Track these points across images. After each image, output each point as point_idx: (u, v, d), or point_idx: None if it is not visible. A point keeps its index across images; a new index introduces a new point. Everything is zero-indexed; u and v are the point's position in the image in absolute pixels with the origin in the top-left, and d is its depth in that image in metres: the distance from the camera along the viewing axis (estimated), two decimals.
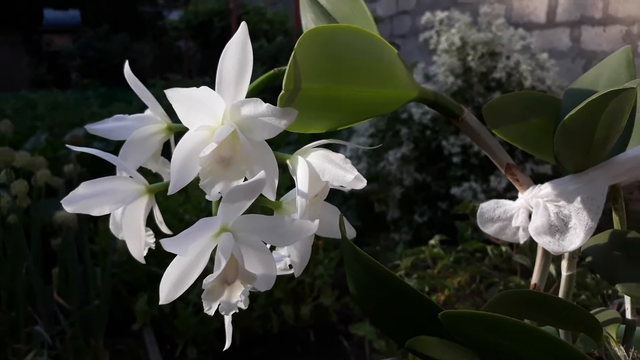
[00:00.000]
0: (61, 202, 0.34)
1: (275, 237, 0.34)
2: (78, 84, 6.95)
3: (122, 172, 0.38)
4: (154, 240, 0.38)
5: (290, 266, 0.39)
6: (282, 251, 0.40)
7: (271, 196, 0.36)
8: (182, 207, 1.95)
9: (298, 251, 0.38)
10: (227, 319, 0.36)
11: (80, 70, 8.21)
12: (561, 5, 3.18)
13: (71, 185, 1.87)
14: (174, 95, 0.32)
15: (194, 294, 1.69)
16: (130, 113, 0.41)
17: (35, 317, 1.48)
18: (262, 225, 0.33)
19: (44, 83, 6.96)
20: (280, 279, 1.99)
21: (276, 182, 0.36)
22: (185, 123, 0.33)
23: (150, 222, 0.38)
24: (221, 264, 0.31)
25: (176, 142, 0.42)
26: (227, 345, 0.37)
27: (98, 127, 0.39)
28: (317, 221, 0.33)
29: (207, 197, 0.33)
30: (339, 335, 1.85)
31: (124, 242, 1.33)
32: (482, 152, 2.26)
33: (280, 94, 0.33)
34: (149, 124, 0.39)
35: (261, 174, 0.31)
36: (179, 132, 0.41)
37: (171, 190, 0.33)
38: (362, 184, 0.34)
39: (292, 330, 1.84)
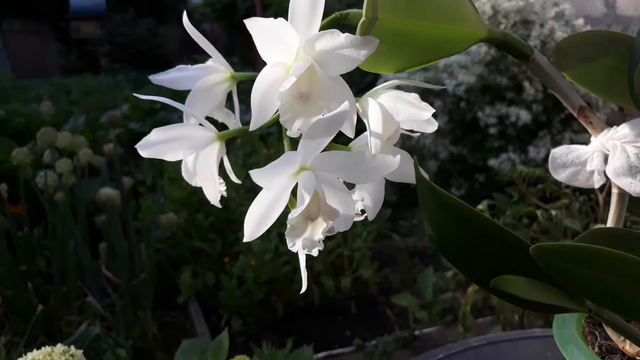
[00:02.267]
0: (136, 146, 0.34)
1: (356, 174, 0.33)
2: (109, 69, 7.04)
3: (189, 120, 0.38)
4: (225, 188, 0.38)
5: (363, 211, 0.39)
6: (354, 195, 0.40)
7: (350, 132, 0.35)
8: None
9: (371, 194, 0.38)
10: (302, 261, 0.36)
11: (109, 56, 8.31)
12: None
13: (112, 164, 1.91)
14: (253, 25, 0.32)
15: (237, 267, 1.71)
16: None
17: (85, 291, 1.52)
18: (342, 162, 0.33)
19: (76, 69, 7.06)
20: (319, 252, 1.99)
21: (355, 117, 0.35)
22: (263, 56, 0.33)
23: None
24: (304, 200, 0.31)
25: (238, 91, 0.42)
26: (304, 289, 0.37)
27: (162, 78, 0.39)
28: (398, 156, 0.33)
29: (287, 133, 0.33)
30: (379, 306, 1.86)
31: (167, 218, 1.34)
32: (519, 122, 2.23)
33: (361, 21, 0.33)
34: (212, 73, 0.39)
35: (345, 104, 0.30)
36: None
37: (253, 126, 0.33)
38: (434, 126, 0.34)
39: (332, 302, 1.86)
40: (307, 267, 0.41)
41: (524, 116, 2.21)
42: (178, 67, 0.40)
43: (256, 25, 0.32)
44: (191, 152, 0.36)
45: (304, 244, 0.33)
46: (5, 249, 1.46)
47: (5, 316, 1.40)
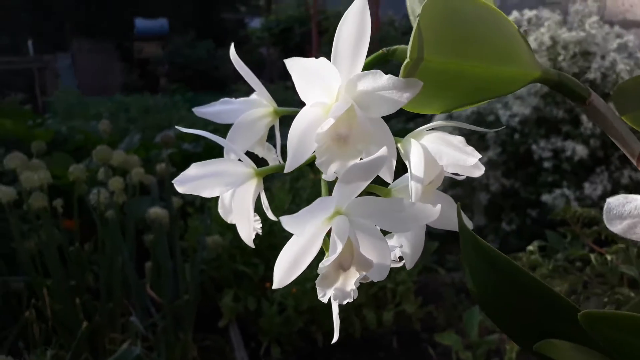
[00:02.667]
0: (173, 182, 0.33)
1: (393, 222, 0.31)
2: (167, 89, 7.27)
3: (229, 155, 0.37)
4: (261, 225, 0.37)
5: (401, 258, 0.37)
6: (392, 241, 0.38)
7: (388, 178, 0.34)
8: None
9: (410, 241, 0.36)
10: (335, 310, 0.35)
11: (168, 76, 8.59)
12: None
13: (163, 184, 1.95)
14: (293, 65, 0.31)
15: (277, 294, 1.70)
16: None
17: (129, 309, 1.55)
18: (379, 209, 0.31)
19: (136, 88, 7.33)
20: (361, 283, 1.96)
21: (394, 162, 0.34)
22: (302, 96, 0.32)
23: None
24: (337, 247, 0.29)
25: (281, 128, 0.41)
26: (335, 338, 0.36)
27: (206, 110, 0.38)
28: (438, 206, 0.31)
29: (323, 176, 0.31)
30: (422, 343, 1.81)
31: (213, 240, 1.35)
32: (575, 157, 2.15)
33: (405, 62, 0.31)
34: (255, 107, 0.39)
35: (383, 149, 0.29)
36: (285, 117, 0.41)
37: (288, 168, 0.32)
38: (480, 171, 0.32)
39: (373, 335, 1.82)
40: None
41: (581, 151, 2.13)
42: (222, 100, 0.40)
43: (296, 65, 0.31)
44: (228, 188, 0.35)
45: (335, 294, 0.31)
46: (58, 263, 1.51)
47: (53, 330, 1.44)
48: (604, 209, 0.48)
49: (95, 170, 1.86)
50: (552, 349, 0.33)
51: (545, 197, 2.16)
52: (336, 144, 0.31)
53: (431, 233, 2.40)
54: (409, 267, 0.37)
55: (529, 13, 2.44)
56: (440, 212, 0.33)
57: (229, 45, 0.40)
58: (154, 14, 10.27)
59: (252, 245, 0.38)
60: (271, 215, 0.41)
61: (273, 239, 1.84)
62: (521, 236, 2.26)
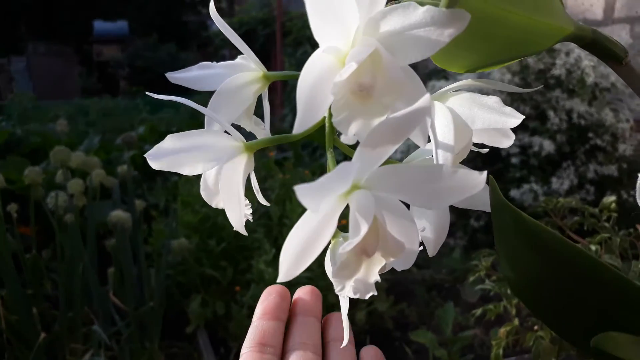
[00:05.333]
0: (146, 155, 0.28)
1: (426, 196, 0.25)
2: (127, 92, 7.11)
3: (212, 126, 0.32)
4: (252, 211, 0.32)
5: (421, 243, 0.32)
6: None
7: (421, 141, 0.27)
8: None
9: (433, 224, 0.31)
10: (344, 309, 0.30)
11: (128, 79, 8.42)
12: (619, 1, 3.04)
13: (125, 186, 1.88)
14: None
15: (248, 297, 1.65)
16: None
17: (92, 318, 1.47)
18: (410, 179, 0.25)
19: (95, 92, 7.15)
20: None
21: (429, 121, 0.27)
22: (316, 36, 0.25)
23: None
24: (360, 229, 0.23)
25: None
26: (345, 342, 0.31)
27: (182, 76, 0.33)
28: (484, 173, 0.24)
29: (342, 138, 0.27)
30: (395, 341, 1.78)
31: (179, 243, 1.28)
32: (542, 152, 2.16)
33: None
34: (241, 71, 0.33)
35: (424, 98, 0.22)
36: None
37: (298, 128, 0.25)
38: (510, 140, 0.29)
39: None
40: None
41: (548, 146, 2.15)
42: (200, 64, 0.34)
43: None
44: (213, 165, 0.30)
45: (356, 287, 0.25)
46: (13, 272, 1.42)
47: (8, 342, 1.36)
48: (638, 184, 0.45)
49: (53, 173, 1.77)
50: (612, 344, 0.28)
51: (514, 193, 2.17)
52: (357, 98, 0.25)
53: None
54: (431, 254, 0.31)
55: None
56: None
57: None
58: (113, 16, 10.07)
59: (245, 233, 0.32)
60: (262, 199, 0.36)
61: (242, 241, 1.79)
62: (489, 232, 2.27)
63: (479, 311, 0.91)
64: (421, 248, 0.29)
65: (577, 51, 2.24)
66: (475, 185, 0.24)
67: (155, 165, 0.28)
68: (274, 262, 1.65)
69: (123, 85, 8.33)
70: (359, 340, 1.79)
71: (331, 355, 0.35)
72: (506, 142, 0.29)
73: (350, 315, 1.74)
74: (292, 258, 0.25)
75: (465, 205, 0.30)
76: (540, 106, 2.25)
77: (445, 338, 1.57)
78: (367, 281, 0.25)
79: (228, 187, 0.30)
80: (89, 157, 1.74)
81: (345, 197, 0.24)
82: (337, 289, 0.25)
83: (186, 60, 8.52)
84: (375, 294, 0.26)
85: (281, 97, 4.41)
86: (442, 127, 0.27)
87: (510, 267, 0.29)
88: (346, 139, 0.26)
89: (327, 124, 0.28)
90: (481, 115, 0.28)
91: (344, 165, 0.23)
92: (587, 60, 2.19)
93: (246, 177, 0.31)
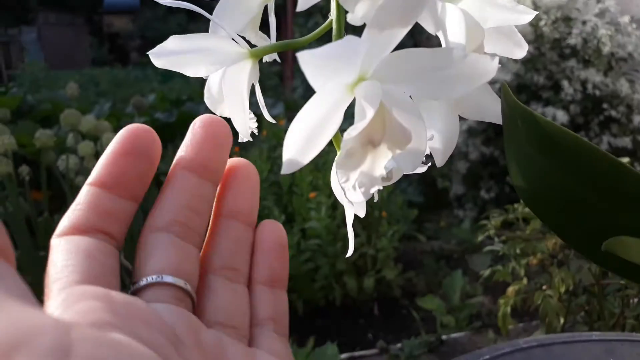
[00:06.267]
0: (148, 53, 0.28)
1: (436, 84, 0.23)
2: (138, 63, 7.10)
3: (217, 32, 0.32)
4: (257, 124, 0.32)
5: (427, 157, 0.29)
6: None
7: (432, 27, 0.25)
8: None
9: (441, 133, 0.29)
10: (349, 217, 0.29)
11: (139, 50, 8.40)
12: None
13: None
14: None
15: None
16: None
17: None
18: (419, 66, 0.23)
19: (106, 62, 7.15)
20: (341, 251, 1.96)
21: (439, 7, 0.26)
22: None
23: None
24: (366, 114, 0.22)
25: None
26: (350, 252, 0.31)
27: None
28: (496, 59, 0.23)
29: (348, 18, 0.25)
30: (402, 309, 1.79)
31: None
32: (555, 123, 2.14)
33: None
34: None
35: None
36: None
37: (301, 6, 0.23)
38: (522, 51, 0.27)
39: (354, 302, 1.80)
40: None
41: (561, 117, 2.12)
42: None
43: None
44: (216, 68, 0.29)
45: (361, 180, 0.24)
46: (26, 234, 1.44)
47: None
48: None
49: (64, 138, 1.78)
50: (624, 248, 0.26)
51: None
52: None
53: (410, 201, 2.38)
54: (439, 164, 0.30)
55: None
56: (474, 99, 0.27)
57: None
58: None
59: (250, 139, 0.31)
60: (267, 116, 0.35)
61: None
62: (499, 204, 2.26)
63: (487, 272, 0.91)
64: (428, 164, 0.28)
65: (593, 20, 2.19)
66: (486, 72, 0.23)
67: (158, 62, 0.28)
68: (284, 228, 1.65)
69: (134, 56, 8.31)
70: (367, 308, 1.81)
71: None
72: (518, 52, 0.28)
73: (359, 283, 1.76)
74: (301, 142, 0.24)
75: (476, 116, 0.29)
76: (554, 76, 2.22)
77: (452, 305, 1.58)
78: (372, 174, 0.24)
79: (232, 93, 0.29)
80: (100, 121, 1.74)
81: (352, 89, 0.23)
82: (341, 180, 0.24)
83: (197, 31, 8.46)
84: (381, 188, 0.25)
85: (292, 67, 4.37)
86: (453, 27, 0.26)
87: (522, 175, 0.28)
88: (352, 18, 0.25)
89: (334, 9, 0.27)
90: (493, 14, 0.26)
91: (351, 38, 0.21)
92: (604, 30, 2.14)
93: (250, 85, 0.30)
